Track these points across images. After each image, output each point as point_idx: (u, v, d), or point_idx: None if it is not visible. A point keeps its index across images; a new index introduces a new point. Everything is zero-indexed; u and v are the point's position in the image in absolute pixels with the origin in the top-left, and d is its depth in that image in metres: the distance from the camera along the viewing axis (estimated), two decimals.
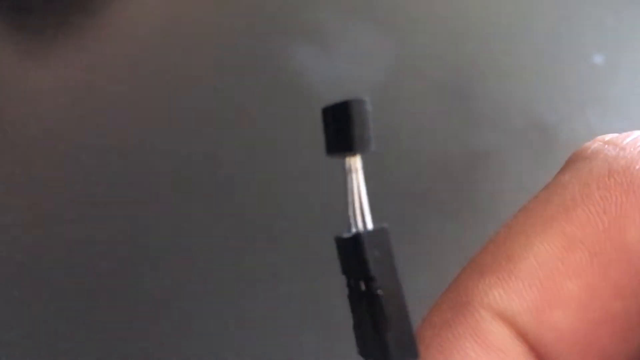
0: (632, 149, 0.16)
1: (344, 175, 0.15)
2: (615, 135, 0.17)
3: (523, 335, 0.16)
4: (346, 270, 0.15)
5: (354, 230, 0.15)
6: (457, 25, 0.47)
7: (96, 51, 0.45)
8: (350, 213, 0.15)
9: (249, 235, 0.38)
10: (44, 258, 0.37)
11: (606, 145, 0.16)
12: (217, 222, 0.39)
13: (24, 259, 0.37)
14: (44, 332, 0.35)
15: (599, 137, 0.17)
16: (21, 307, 0.36)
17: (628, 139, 0.16)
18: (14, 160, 0.40)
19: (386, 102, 0.44)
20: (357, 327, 0.15)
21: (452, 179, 0.41)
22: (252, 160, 0.41)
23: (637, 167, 0.16)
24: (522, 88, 0.45)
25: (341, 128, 0.14)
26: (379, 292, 0.14)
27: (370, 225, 0.15)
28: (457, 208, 0.40)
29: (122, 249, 0.38)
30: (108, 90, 0.43)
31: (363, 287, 0.14)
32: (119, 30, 0.46)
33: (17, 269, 0.37)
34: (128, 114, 0.42)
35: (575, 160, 0.17)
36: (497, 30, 0.48)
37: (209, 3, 0.47)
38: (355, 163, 0.15)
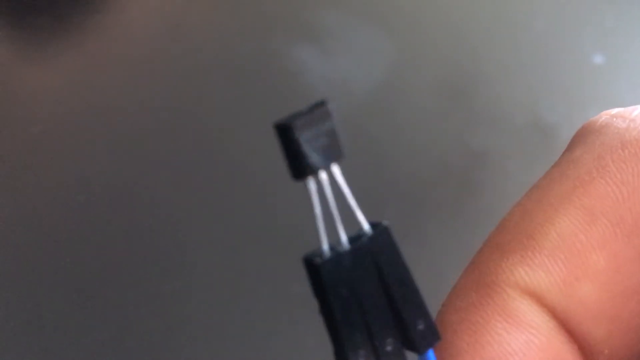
0: None
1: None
2: (621, 109, 0.17)
3: (552, 311, 0.16)
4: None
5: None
6: (457, 25, 0.47)
7: (96, 51, 0.45)
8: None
9: (248, 235, 0.38)
10: (43, 258, 0.37)
11: (614, 119, 0.17)
12: (217, 221, 0.39)
13: (23, 258, 0.37)
14: (42, 333, 0.35)
15: (605, 112, 0.17)
16: (20, 308, 0.36)
17: (636, 112, 0.16)
18: (14, 160, 0.40)
19: (386, 102, 0.44)
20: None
21: (452, 179, 0.41)
22: (252, 160, 0.41)
23: None
24: (522, 88, 0.45)
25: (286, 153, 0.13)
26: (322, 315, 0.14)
27: (324, 252, 0.14)
28: (457, 208, 0.40)
29: (121, 249, 0.38)
30: (108, 90, 0.43)
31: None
32: (119, 30, 0.46)
33: (17, 269, 0.37)
34: (128, 113, 0.42)
35: (584, 134, 0.17)
36: (497, 30, 0.48)
37: (209, 3, 0.47)
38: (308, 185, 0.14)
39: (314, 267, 0.14)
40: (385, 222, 0.15)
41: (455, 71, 0.45)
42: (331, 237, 0.15)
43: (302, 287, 0.39)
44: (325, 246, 0.14)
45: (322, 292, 0.14)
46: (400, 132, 0.43)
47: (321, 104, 0.13)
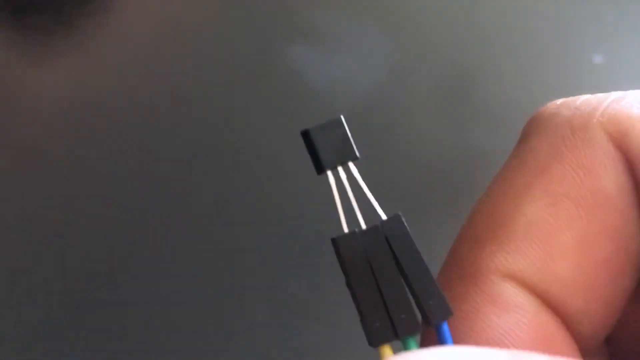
0: (585, 108, 0.18)
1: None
2: (565, 99, 0.18)
3: (533, 290, 0.17)
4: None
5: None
6: (457, 25, 0.47)
7: (96, 51, 0.45)
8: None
9: (249, 235, 0.38)
10: (43, 258, 0.37)
11: (561, 108, 0.18)
12: (217, 222, 0.39)
13: (23, 258, 0.37)
14: (42, 333, 0.35)
15: (552, 102, 0.19)
16: (20, 308, 0.36)
17: (580, 100, 0.18)
18: (14, 161, 0.40)
19: (386, 102, 0.44)
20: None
21: (452, 179, 0.41)
22: (252, 160, 0.41)
23: (594, 121, 0.17)
24: (522, 88, 0.45)
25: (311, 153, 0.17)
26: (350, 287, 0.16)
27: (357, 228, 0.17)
28: (457, 208, 0.40)
29: (121, 250, 0.38)
30: (108, 90, 0.43)
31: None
32: (120, 30, 0.46)
33: (17, 269, 0.37)
34: (128, 114, 0.42)
35: (535, 124, 0.19)
36: (497, 30, 0.48)
37: (209, 3, 0.47)
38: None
39: (333, 242, 0.16)
40: (398, 212, 0.17)
41: (456, 71, 0.45)
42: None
43: (302, 287, 0.39)
44: (345, 228, 0.17)
45: (342, 264, 0.16)
46: (400, 132, 0.43)
47: (337, 118, 0.17)
